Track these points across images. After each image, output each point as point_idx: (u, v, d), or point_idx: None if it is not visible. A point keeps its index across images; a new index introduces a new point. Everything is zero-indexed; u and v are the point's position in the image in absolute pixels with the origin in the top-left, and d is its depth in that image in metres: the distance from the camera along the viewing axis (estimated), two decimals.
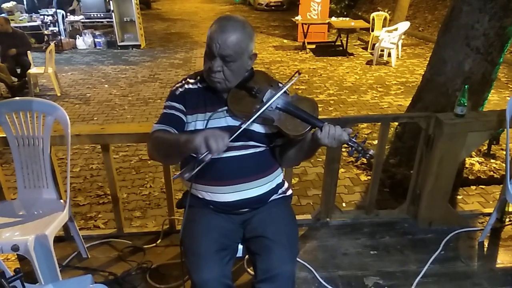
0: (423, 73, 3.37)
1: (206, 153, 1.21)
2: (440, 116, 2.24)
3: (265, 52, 8.84)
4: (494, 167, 3.55)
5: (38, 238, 1.73)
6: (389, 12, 9.64)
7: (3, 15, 8.70)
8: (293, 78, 1.45)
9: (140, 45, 9.31)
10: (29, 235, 1.71)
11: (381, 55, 7.82)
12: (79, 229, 2.17)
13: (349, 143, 1.35)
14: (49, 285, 1.40)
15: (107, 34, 9.63)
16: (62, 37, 9.23)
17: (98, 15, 9.35)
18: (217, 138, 1.20)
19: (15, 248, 1.69)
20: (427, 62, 3.32)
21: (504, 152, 3.39)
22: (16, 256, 2.19)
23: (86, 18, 9.49)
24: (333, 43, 9.39)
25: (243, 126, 1.36)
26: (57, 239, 1.89)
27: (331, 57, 8.34)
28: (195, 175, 1.32)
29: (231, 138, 1.28)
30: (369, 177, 3.58)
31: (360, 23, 8.87)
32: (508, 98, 2.30)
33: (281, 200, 1.62)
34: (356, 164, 3.84)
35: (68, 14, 9.90)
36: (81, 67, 7.82)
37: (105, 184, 3.51)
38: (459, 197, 3.23)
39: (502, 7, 2.72)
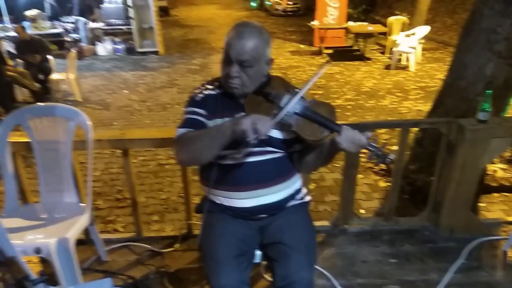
0: (443, 77, 3.32)
1: (254, 136, 1.25)
2: (462, 122, 2.20)
3: (282, 57, 8.85)
4: None
5: (60, 241, 1.77)
6: (407, 16, 9.52)
7: (27, 22, 8.98)
8: (323, 67, 1.43)
9: (158, 52, 9.45)
10: (51, 238, 1.75)
11: (400, 60, 7.73)
12: (99, 232, 2.21)
13: (369, 148, 1.33)
14: (71, 287, 1.43)
15: (127, 41, 9.81)
16: (83, 44, 9.45)
17: (118, 22, 9.53)
18: (263, 120, 1.25)
19: (37, 251, 1.73)
20: (447, 66, 3.26)
21: None
22: (38, 258, 2.23)
23: (107, 25, 9.69)
24: (350, 48, 9.34)
25: (283, 112, 1.36)
26: (78, 242, 1.92)
27: (348, 62, 8.28)
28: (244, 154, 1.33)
29: (274, 121, 1.32)
30: (388, 184, 3.52)
31: (378, 28, 8.79)
32: None
33: (299, 206, 1.61)
34: (375, 170, 3.79)
35: (89, 21, 10.13)
36: (101, 73, 7.98)
37: (124, 188, 3.56)
38: (481, 204, 3.15)
39: None
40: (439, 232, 2.43)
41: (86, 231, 2.29)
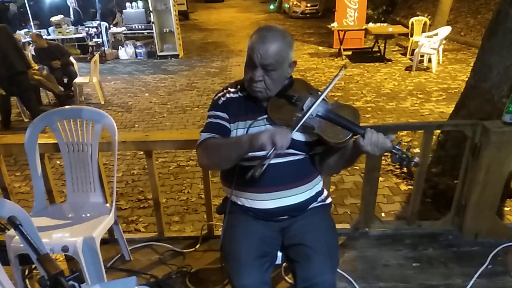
0: (466, 79, 3.26)
1: (272, 149, 1.24)
2: (487, 124, 2.16)
3: (300, 59, 8.84)
4: None
5: (86, 240, 1.82)
6: (428, 17, 9.38)
7: (51, 27, 9.25)
8: (340, 72, 1.44)
9: (178, 55, 9.59)
10: (78, 237, 1.80)
11: (421, 61, 7.61)
12: (122, 233, 2.25)
13: (393, 151, 1.32)
14: (96, 285, 1.47)
15: (148, 45, 10.00)
16: (105, 48, 9.67)
17: (139, 26, 9.73)
18: (281, 134, 1.25)
19: (65, 249, 1.78)
20: (470, 67, 3.21)
21: None
22: (64, 256, 2.30)
23: (128, 30, 9.90)
24: (370, 49, 9.25)
25: (302, 121, 1.37)
26: (102, 241, 1.96)
27: (368, 64, 8.21)
28: (261, 172, 1.33)
29: (292, 134, 1.32)
30: (409, 187, 3.47)
31: (399, 29, 8.69)
32: None
33: (320, 208, 1.62)
34: (396, 173, 3.74)
35: (111, 26, 10.37)
36: (123, 77, 8.15)
37: (146, 189, 3.63)
38: (506, 209, 3.07)
39: None
40: (463, 237, 2.39)
41: (110, 231, 2.35)
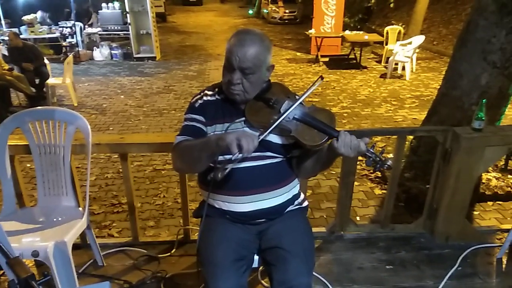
0: (438, 87, 3.37)
1: (237, 153, 1.24)
2: (458, 130, 2.23)
3: (279, 64, 8.91)
4: None
5: (57, 245, 1.76)
6: (403, 26, 9.65)
7: (23, 26, 8.98)
8: (316, 82, 1.47)
9: (155, 57, 9.48)
10: (49, 242, 1.74)
11: (395, 69, 7.82)
12: (95, 237, 2.20)
13: (367, 153, 1.35)
14: None
15: (124, 46, 9.84)
16: (79, 49, 9.46)
17: (115, 27, 9.56)
18: (248, 138, 1.24)
19: (35, 254, 1.72)
20: (442, 76, 3.31)
21: None
22: (33, 262, 2.22)
23: (103, 31, 9.71)
24: (346, 56, 9.43)
25: (271, 128, 1.38)
26: (74, 247, 1.91)
27: (344, 70, 8.36)
28: (225, 175, 1.33)
29: (260, 139, 1.32)
30: (384, 191, 3.55)
31: (374, 37, 8.90)
32: None
33: (297, 211, 1.62)
34: (370, 177, 3.81)
35: (86, 26, 10.15)
36: (97, 78, 7.99)
37: (120, 193, 3.56)
38: (476, 212, 3.18)
39: None
40: (434, 239, 2.45)
41: (82, 236, 2.29)
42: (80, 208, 2.08)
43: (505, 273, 2.26)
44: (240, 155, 1.26)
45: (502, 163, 3.70)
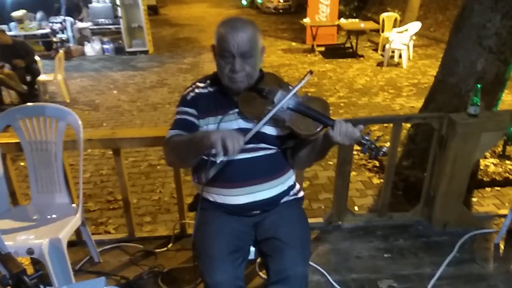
0: (435, 74, 3.34)
1: (222, 153, 1.22)
2: (453, 116, 2.21)
3: (274, 55, 8.84)
4: (510, 169, 3.49)
5: (52, 242, 1.75)
6: (399, 13, 9.58)
7: (13, 23, 8.86)
8: (305, 77, 1.45)
9: (148, 51, 9.39)
10: (44, 239, 1.73)
11: (392, 57, 7.77)
12: (91, 233, 2.18)
13: (362, 141, 1.33)
14: (64, 287, 1.41)
15: (115, 41, 9.73)
16: (71, 44, 9.35)
17: (106, 21, 9.45)
18: (233, 139, 1.22)
19: (30, 252, 1.71)
20: (439, 62, 3.28)
21: None
22: (30, 260, 2.20)
23: (95, 25, 9.60)
24: (342, 45, 9.37)
25: (257, 128, 1.37)
26: (70, 244, 1.90)
27: (340, 59, 8.31)
28: (211, 176, 1.32)
29: (246, 139, 1.30)
30: (382, 180, 3.54)
31: (370, 25, 8.83)
32: None
33: (292, 202, 1.62)
34: (368, 167, 3.80)
35: (77, 21, 10.03)
36: (89, 74, 7.91)
37: (115, 190, 3.53)
38: (473, 199, 3.18)
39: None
40: (432, 227, 2.45)
41: (78, 233, 2.27)
42: (74, 205, 2.06)
43: (503, 258, 2.26)
44: (225, 157, 1.24)
45: (500, 149, 3.69)
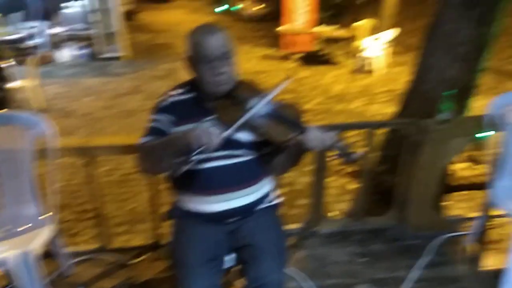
0: (408, 80, 3.42)
1: (201, 148, 1.25)
2: (424, 123, 2.28)
3: (251, 62, 8.87)
4: (478, 172, 3.61)
5: (22, 255, 1.69)
6: (374, 20, 9.78)
7: None
8: (283, 83, 1.46)
9: (123, 57, 9.25)
10: (14, 251, 1.68)
11: (366, 64, 7.92)
12: (63, 245, 2.12)
13: (335, 146, 1.36)
14: None
15: (90, 46, 9.54)
16: (44, 50, 9.12)
17: (81, 27, 9.27)
18: (211, 134, 1.26)
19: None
20: (412, 69, 3.37)
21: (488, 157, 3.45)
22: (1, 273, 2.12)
23: (68, 30, 9.40)
24: (318, 53, 9.49)
25: (235, 127, 1.37)
26: (41, 256, 1.83)
27: (316, 66, 8.41)
28: (187, 168, 1.33)
29: (224, 135, 1.32)
30: (357, 185, 3.59)
31: (345, 33, 8.99)
32: None
33: (269, 208, 1.63)
34: (344, 172, 3.85)
35: (50, 26, 9.79)
36: (63, 80, 7.71)
37: (89, 199, 3.43)
38: (444, 202, 3.26)
39: (481, 15, 2.78)
40: (406, 230, 2.50)
41: (49, 244, 2.20)
42: (46, 216, 2.00)
43: (473, 260, 2.33)
44: (203, 155, 1.26)
45: (468, 153, 3.81)
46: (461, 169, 3.65)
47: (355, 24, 8.74)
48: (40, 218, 1.97)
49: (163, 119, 1.48)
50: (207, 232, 1.51)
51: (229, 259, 1.58)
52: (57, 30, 9.60)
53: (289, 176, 3.73)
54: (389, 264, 2.25)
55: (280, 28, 9.33)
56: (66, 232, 2.99)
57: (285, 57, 9.20)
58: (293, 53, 9.12)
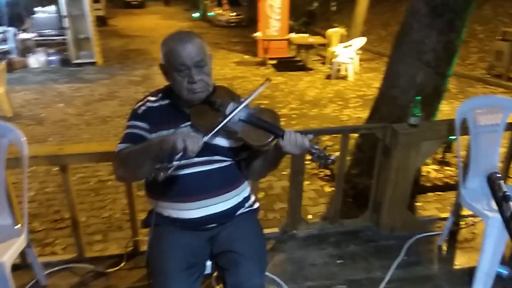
0: (379, 86, 3.52)
1: (181, 154, 1.24)
2: (396, 127, 2.35)
3: (227, 68, 8.90)
4: (449, 174, 3.74)
5: None
6: (345, 28, 10.02)
7: None
8: (262, 86, 1.49)
9: (96, 63, 9.09)
10: None
11: (339, 70, 8.09)
12: (36, 255, 2.06)
13: (311, 150, 1.37)
14: None
15: (61, 52, 9.33)
16: (13, 56, 8.85)
17: (52, 32, 9.07)
18: (193, 139, 1.25)
19: None
20: (383, 75, 3.47)
21: (457, 159, 3.59)
22: None
23: (39, 36, 9.16)
24: (293, 59, 9.62)
25: (217, 128, 1.38)
26: (14, 267, 1.77)
27: (291, 72, 8.52)
28: (169, 175, 1.31)
29: (205, 139, 1.32)
30: (333, 188, 3.65)
31: (318, 39, 9.16)
32: None
33: (248, 213, 1.63)
34: (320, 176, 3.91)
35: (20, 31, 9.52)
36: (34, 87, 7.50)
37: (62, 208, 3.36)
38: (417, 203, 3.37)
39: (448, 22, 2.91)
40: (380, 232, 2.56)
41: (22, 255, 2.14)
42: (18, 226, 1.94)
43: (446, 259, 2.41)
44: (184, 160, 1.25)
45: (440, 156, 3.95)
46: (433, 170, 3.77)
47: (329, 31, 8.92)
48: (13, 228, 1.91)
49: (140, 125, 1.47)
50: (185, 239, 1.50)
51: (208, 266, 1.57)
52: (28, 35, 9.34)
53: (266, 180, 3.76)
54: (365, 265, 2.30)
55: (255, 34, 9.41)
56: (40, 242, 2.92)
57: (261, 63, 9.28)
58: (269, 59, 9.21)
